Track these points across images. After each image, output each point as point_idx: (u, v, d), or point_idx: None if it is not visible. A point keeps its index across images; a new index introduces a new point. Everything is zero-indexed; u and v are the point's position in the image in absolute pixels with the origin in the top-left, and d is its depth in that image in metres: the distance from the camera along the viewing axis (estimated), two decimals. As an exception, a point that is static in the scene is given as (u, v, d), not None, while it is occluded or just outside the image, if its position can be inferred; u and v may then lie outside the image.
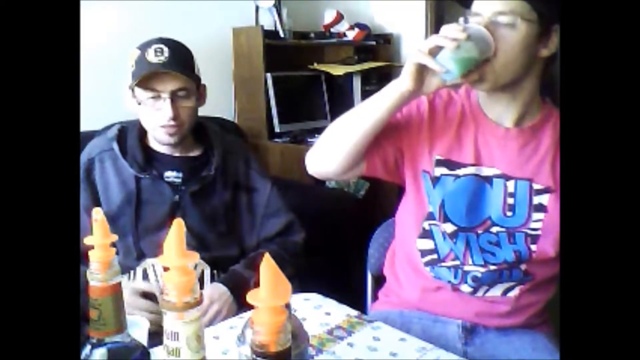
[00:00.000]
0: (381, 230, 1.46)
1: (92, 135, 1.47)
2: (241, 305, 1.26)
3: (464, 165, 1.13)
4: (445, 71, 0.97)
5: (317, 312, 1.11)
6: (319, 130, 2.80)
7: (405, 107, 1.16)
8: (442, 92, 1.20)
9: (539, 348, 1.18)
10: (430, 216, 1.17)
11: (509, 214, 1.13)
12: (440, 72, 0.98)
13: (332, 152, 1.15)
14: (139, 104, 1.32)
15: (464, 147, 1.14)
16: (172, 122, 1.31)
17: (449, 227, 1.15)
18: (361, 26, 3.07)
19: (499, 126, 1.13)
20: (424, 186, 1.16)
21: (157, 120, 1.32)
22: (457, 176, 1.13)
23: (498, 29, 1.01)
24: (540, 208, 1.11)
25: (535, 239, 1.13)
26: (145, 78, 1.28)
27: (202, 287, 1.29)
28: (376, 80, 3.08)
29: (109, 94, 1.75)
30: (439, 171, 1.14)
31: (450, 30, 0.97)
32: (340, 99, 3.00)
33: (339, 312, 1.11)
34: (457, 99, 1.18)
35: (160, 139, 1.36)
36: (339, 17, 3.00)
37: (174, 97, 1.30)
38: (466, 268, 1.16)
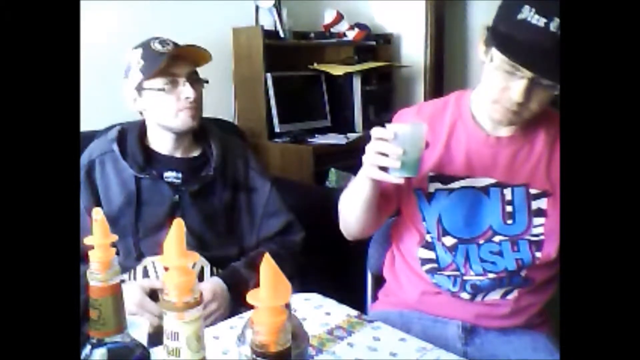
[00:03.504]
0: (381, 230, 1.46)
1: (92, 135, 1.47)
2: (239, 304, 1.26)
3: (457, 178, 1.13)
4: (400, 176, 1.00)
5: (317, 312, 1.11)
6: (319, 130, 2.85)
7: None
8: (427, 107, 1.21)
9: (539, 348, 1.18)
10: (428, 232, 1.17)
11: (509, 221, 1.12)
12: (397, 181, 1.01)
13: (352, 225, 1.21)
14: (141, 113, 1.32)
15: (455, 160, 1.14)
16: (193, 104, 1.34)
17: (449, 240, 1.15)
18: (361, 26, 3.07)
19: (489, 136, 1.13)
20: (419, 203, 1.17)
21: (179, 105, 1.33)
22: (451, 190, 1.13)
23: (537, 87, 0.99)
24: (540, 212, 1.11)
25: (539, 245, 1.12)
26: (168, 61, 1.29)
27: (201, 286, 1.29)
28: (376, 80, 3.08)
29: (109, 94, 1.75)
30: (433, 187, 1.14)
31: (386, 147, 0.98)
32: (340, 99, 3.00)
33: (339, 312, 1.11)
34: (445, 110, 1.18)
35: (181, 124, 1.35)
36: (339, 17, 3.00)
37: (190, 79, 1.33)
38: (465, 277, 1.16)
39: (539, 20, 0.94)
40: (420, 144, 1.00)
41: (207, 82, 1.40)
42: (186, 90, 1.32)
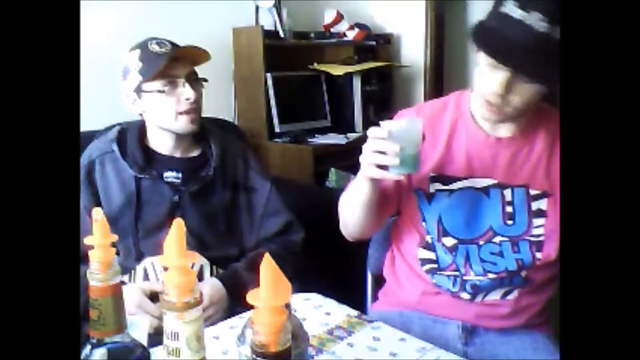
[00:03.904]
0: (381, 231, 1.46)
1: (92, 135, 1.47)
2: (237, 304, 1.26)
3: (458, 179, 1.13)
4: (398, 173, 1.00)
5: (317, 312, 1.11)
6: (319, 130, 2.85)
7: None
8: (426, 108, 1.21)
9: (539, 348, 1.18)
10: (427, 232, 1.17)
11: (509, 222, 1.12)
12: (397, 177, 1.01)
13: (352, 226, 1.20)
14: (141, 114, 1.32)
15: (455, 160, 1.14)
16: (194, 105, 1.33)
17: (449, 241, 1.15)
18: (361, 26, 3.07)
19: (489, 136, 1.13)
20: (419, 204, 1.17)
21: (179, 107, 1.32)
22: (452, 190, 1.13)
23: (519, 80, 0.99)
24: (540, 213, 1.11)
25: (539, 245, 1.12)
26: (169, 61, 1.29)
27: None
28: (376, 80, 3.08)
29: (109, 94, 1.75)
30: (433, 187, 1.14)
31: (383, 145, 0.97)
32: (340, 99, 3.00)
33: (339, 312, 1.11)
34: (445, 110, 1.18)
35: (180, 128, 1.35)
36: (339, 17, 3.00)
37: (189, 80, 1.33)
38: (465, 278, 1.16)
39: (519, 14, 0.94)
40: (416, 139, 0.99)
41: (206, 80, 1.39)
42: (186, 92, 1.32)
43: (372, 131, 0.99)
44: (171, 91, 1.31)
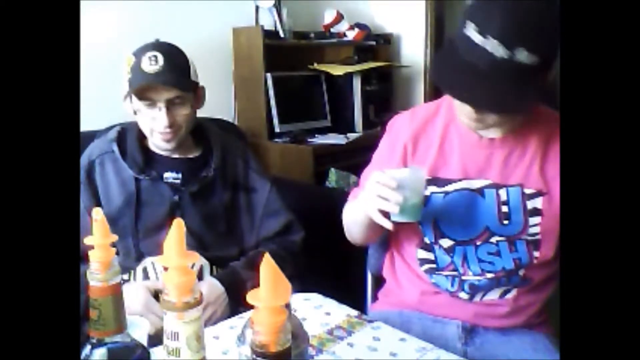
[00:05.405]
0: (381, 231, 1.47)
1: (92, 135, 1.47)
2: (237, 304, 1.26)
3: (453, 181, 1.13)
4: (400, 220, 1.03)
5: (317, 312, 1.11)
6: (319, 130, 2.85)
7: (385, 151, 1.23)
8: (420, 111, 1.22)
9: (539, 348, 1.18)
10: (425, 234, 1.18)
11: (506, 222, 1.12)
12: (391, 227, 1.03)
13: (356, 236, 1.26)
14: (135, 112, 1.32)
15: (449, 163, 1.14)
16: (168, 130, 1.31)
17: (446, 242, 1.16)
18: (361, 26, 3.07)
19: (482, 137, 1.13)
20: None
21: (154, 127, 1.32)
22: (447, 192, 1.14)
23: None
24: (535, 212, 1.11)
25: (537, 244, 1.12)
26: (141, 89, 1.28)
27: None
28: (376, 80, 3.08)
29: (109, 95, 1.75)
30: (429, 190, 1.14)
31: (387, 192, 0.99)
32: (340, 99, 3.00)
33: (339, 312, 1.11)
34: (438, 113, 1.18)
35: (157, 145, 1.36)
36: (339, 17, 3.00)
37: (169, 105, 1.30)
38: (464, 277, 1.17)
39: (479, 40, 0.93)
40: (420, 189, 1.02)
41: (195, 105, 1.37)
42: (160, 117, 1.30)
43: (377, 176, 1.01)
44: (148, 112, 1.30)
